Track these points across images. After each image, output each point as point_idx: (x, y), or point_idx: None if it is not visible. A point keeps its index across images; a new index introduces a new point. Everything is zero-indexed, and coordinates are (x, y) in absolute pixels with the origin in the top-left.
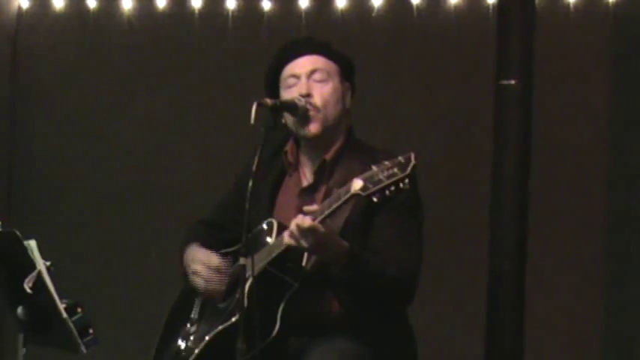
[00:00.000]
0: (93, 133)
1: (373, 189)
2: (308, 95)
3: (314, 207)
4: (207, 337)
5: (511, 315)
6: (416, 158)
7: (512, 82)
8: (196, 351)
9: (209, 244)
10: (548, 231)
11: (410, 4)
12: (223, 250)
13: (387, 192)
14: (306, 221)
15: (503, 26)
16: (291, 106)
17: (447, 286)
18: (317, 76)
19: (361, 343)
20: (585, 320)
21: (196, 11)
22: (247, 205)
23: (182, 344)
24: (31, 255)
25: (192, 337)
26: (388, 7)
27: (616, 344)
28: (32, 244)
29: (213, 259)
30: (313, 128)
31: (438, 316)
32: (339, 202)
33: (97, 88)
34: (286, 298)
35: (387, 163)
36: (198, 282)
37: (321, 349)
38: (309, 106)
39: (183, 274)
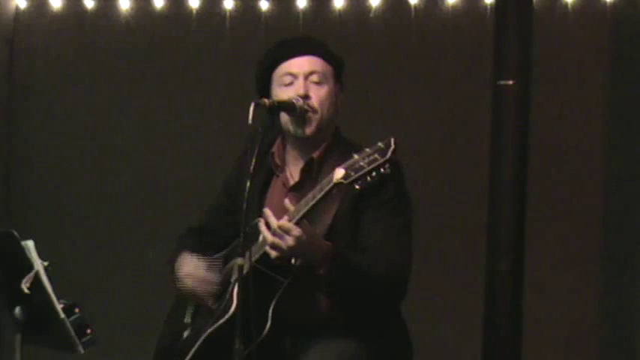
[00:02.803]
0: (90, 134)
1: (355, 176)
2: (306, 97)
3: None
4: (201, 337)
5: (508, 315)
6: (395, 143)
7: (510, 82)
8: (191, 351)
9: (199, 252)
10: (546, 231)
11: (407, 4)
12: (216, 255)
13: (369, 178)
14: (283, 224)
15: (501, 26)
16: (288, 106)
17: (445, 286)
18: (314, 77)
19: (356, 342)
20: (583, 320)
21: (194, 11)
22: (245, 205)
23: (178, 347)
24: (29, 255)
25: (187, 340)
26: (386, 7)
27: (614, 344)
28: (30, 244)
29: (201, 268)
30: (309, 130)
31: (435, 316)
32: (323, 193)
33: (94, 89)
34: (277, 295)
35: (367, 150)
36: (187, 292)
37: (316, 349)
38: (307, 107)
39: (174, 283)
